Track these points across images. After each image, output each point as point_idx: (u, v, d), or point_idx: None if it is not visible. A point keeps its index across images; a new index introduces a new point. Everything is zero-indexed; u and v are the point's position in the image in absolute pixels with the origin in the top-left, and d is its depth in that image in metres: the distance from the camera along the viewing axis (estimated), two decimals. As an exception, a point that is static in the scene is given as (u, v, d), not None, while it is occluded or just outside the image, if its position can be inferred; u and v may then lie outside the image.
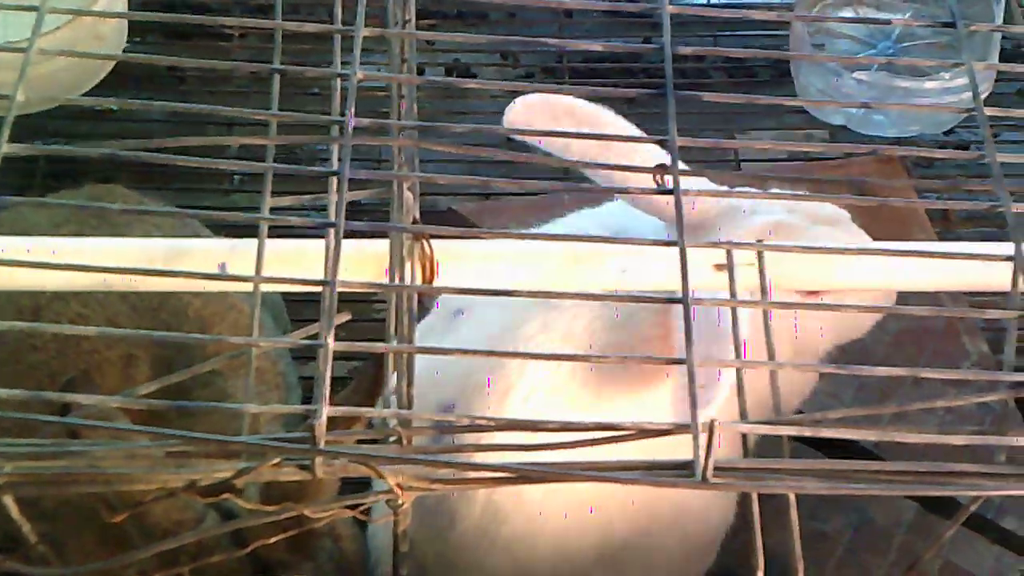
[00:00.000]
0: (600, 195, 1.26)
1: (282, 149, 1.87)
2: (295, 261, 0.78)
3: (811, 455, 1.31)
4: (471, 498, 1.11)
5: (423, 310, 1.25)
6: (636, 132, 1.08)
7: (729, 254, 0.76)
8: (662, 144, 0.76)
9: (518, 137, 1.09)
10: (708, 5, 2.06)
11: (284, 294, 1.37)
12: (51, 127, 1.87)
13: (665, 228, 1.12)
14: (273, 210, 0.78)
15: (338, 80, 0.81)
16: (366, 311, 1.53)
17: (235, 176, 1.83)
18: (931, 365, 1.44)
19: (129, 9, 1.78)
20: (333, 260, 0.70)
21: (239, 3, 2.04)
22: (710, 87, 2.01)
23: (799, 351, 1.15)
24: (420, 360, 1.17)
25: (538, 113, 1.07)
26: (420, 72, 2.10)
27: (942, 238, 1.64)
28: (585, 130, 1.09)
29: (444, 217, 1.65)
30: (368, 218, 1.75)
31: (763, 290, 0.75)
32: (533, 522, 1.12)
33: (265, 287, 0.74)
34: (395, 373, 0.73)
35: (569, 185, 1.12)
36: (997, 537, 1.36)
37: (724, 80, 2.03)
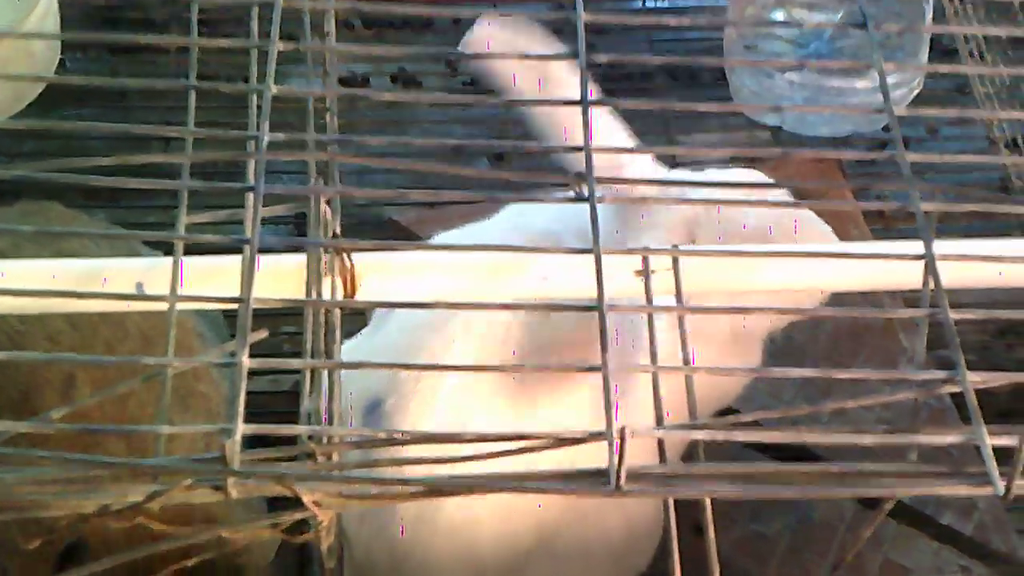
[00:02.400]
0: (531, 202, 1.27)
1: (219, 163, 1.86)
2: (213, 278, 0.78)
3: (759, 458, 1.32)
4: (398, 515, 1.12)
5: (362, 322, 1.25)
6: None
7: (645, 260, 0.77)
8: (579, 151, 0.77)
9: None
10: (640, 10, 2.07)
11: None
12: (-6, 144, 1.86)
13: (613, 219, 1.15)
14: (190, 227, 0.77)
15: (254, 95, 0.80)
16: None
17: (176, 195, 1.82)
18: (868, 362, 1.46)
19: (65, 20, 1.76)
20: (248, 277, 0.70)
21: (177, 18, 2.03)
22: (653, 90, 2.03)
23: (737, 336, 1.16)
24: (347, 356, 1.18)
25: (499, 40, 1.10)
26: (366, 81, 2.10)
27: (879, 235, 1.66)
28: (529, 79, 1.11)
29: (385, 227, 1.65)
30: (299, 232, 1.76)
31: (678, 295, 0.76)
32: (471, 507, 1.13)
33: (181, 305, 0.74)
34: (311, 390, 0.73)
35: (493, 195, 1.12)
36: (936, 533, 1.37)
37: (667, 83, 2.05)
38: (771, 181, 1.21)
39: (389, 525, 1.13)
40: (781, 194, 1.17)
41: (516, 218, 1.23)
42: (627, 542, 1.20)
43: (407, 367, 0.70)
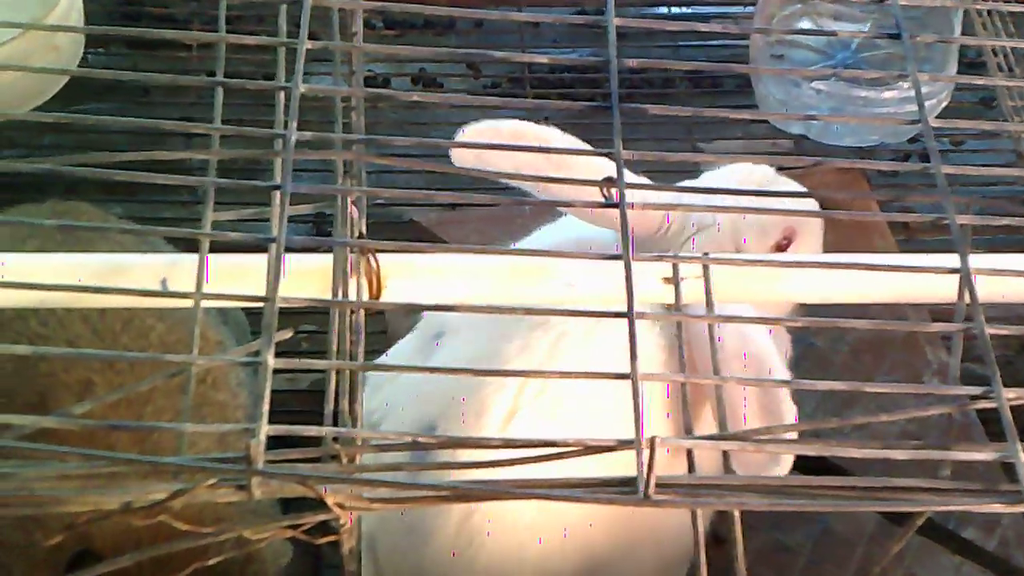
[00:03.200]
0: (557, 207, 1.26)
1: (238, 160, 1.87)
2: (237, 276, 0.78)
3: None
4: (446, 518, 1.10)
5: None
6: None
7: (675, 267, 0.76)
8: (609, 156, 0.76)
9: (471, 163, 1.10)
10: (667, 16, 2.06)
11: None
12: (13, 138, 1.86)
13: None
14: (215, 224, 0.77)
15: (281, 93, 0.80)
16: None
17: (197, 188, 1.82)
18: (892, 374, 1.44)
19: (89, 16, 1.76)
20: (273, 276, 0.69)
21: (198, 14, 2.03)
22: (675, 96, 2.02)
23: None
24: (403, 380, 1.18)
25: (486, 139, 1.08)
26: (387, 82, 2.09)
27: (903, 245, 1.65)
28: (534, 158, 1.09)
29: (405, 228, 1.64)
30: (319, 232, 1.75)
31: (708, 303, 0.75)
32: (513, 546, 1.11)
33: (206, 303, 0.73)
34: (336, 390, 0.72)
35: (521, 197, 1.11)
36: (958, 548, 1.36)
37: (689, 89, 2.04)
38: (788, 181, 1.21)
39: (421, 546, 1.12)
40: (808, 203, 1.16)
41: (547, 236, 1.22)
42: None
43: (423, 370, 0.69)
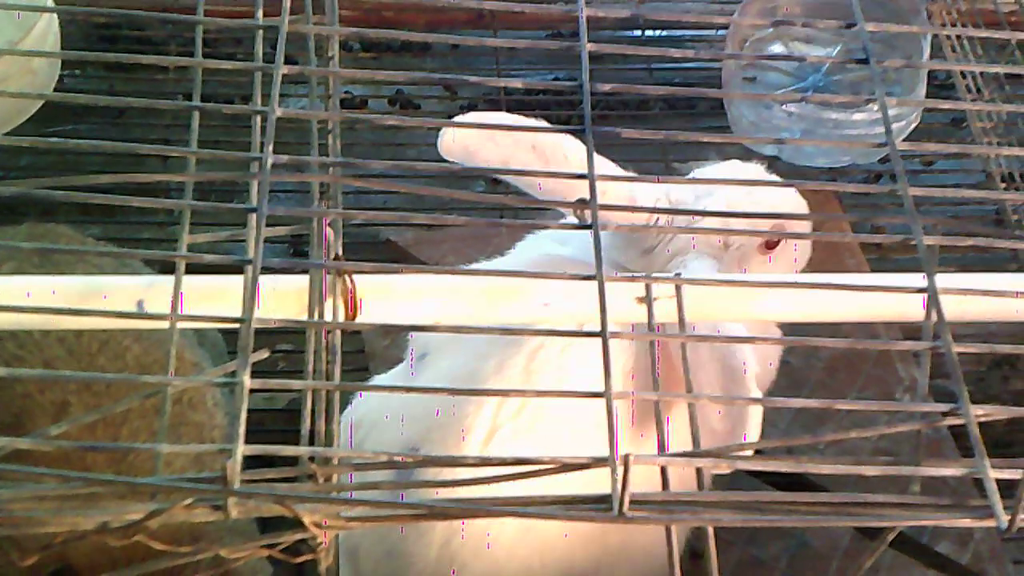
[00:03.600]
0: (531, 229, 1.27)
1: (216, 182, 1.87)
2: (214, 297, 0.78)
3: (756, 484, 1.31)
4: (427, 542, 1.10)
5: (390, 357, 1.25)
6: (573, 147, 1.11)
7: (648, 288, 0.77)
8: (583, 179, 0.77)
9: (456, 164, 1.12)
10: (640, 40, 2.08)
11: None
12: (-12, 160, 1.86)
13: (615, 248, 1.15)
14: (192, 246, 0.77)
15: (258, 117, 0.80)
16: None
17: (173, 211, 1.82)
18: (865, 391, 1.46)
19: (66, 39, 1.76)
20: (249, 298, 0.69)
21: (175, 36, 2.04)
22: (650, 117, 2.04)
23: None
24: (386, 403, 1.18)
25: (473, 133, 1.10)
26: (364, 103, 2.10)
27: (875, 264, 1.66)
28: (520, 152, 1.11)
29: (381, 248, 1.65)
30: (296, 253, 1.76)
31: (681, 322, 0.75)
32: (492, 570, 1.11)
33: (183, 324, 0.73)
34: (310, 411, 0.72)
35: (495, 220, 1.12)
36: (932, 562, 1.37)
37: (663, 111, 2.05)
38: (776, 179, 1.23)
39: (404, 570, 1.12)
40: (793, 197, 1.18)
41: (531, 247, 1.23)
42: None
43: (402, 390, 0.70)
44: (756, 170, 1.26)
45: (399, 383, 1.15)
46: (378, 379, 1.24)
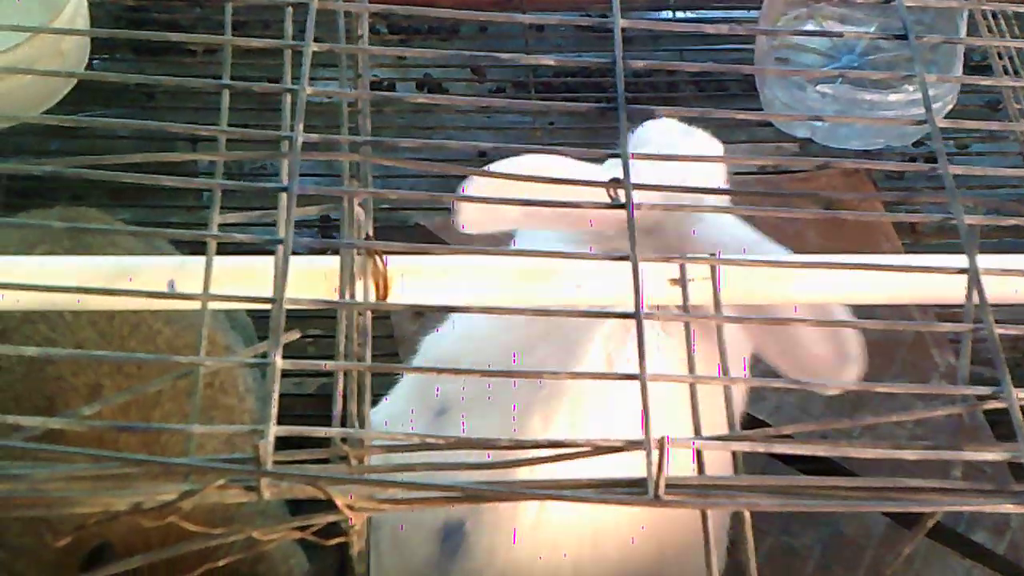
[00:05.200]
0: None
1: (245, 165, 1.87)
2: (245, 278, 0.78)
3: (788, 471, 1.30)
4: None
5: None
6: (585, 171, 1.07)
7: (682, 268, 0.76)
8: (616, 157, 0.76)
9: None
10: (672, 19, 2.06)
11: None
12: (20, 144, 1.86)
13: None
14: (222, 227, 0.77)
15: (287, 96, 0.80)
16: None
17: (203, 192, 1.82)
18: (900, 377, 1.44)
19: (94, 22, 1.77)
20: (281, 277, 0.69)
21: (203, 20, 2.04)
22: (680, 100, 2.02)
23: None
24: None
25: (490, 192, 1.03)
26: (391, 87, 2.09)
27: (909, 249, 1.64)
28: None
29: (410, 233, 1.64)
30: (336, 234, 1.75)
31: (716, 304, 0.74)
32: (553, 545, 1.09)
33: (214, 304, 0.73)
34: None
35: (525, 200, 1.10)
36: (968, 551, 1.35)
37: (694, 93, 2.04)
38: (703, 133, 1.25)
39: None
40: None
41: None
42: None
43: (436, 371, 0.69)
44: (681, 127, 1.25)
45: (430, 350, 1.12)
46: (381, 414, 1.19)
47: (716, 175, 1.22)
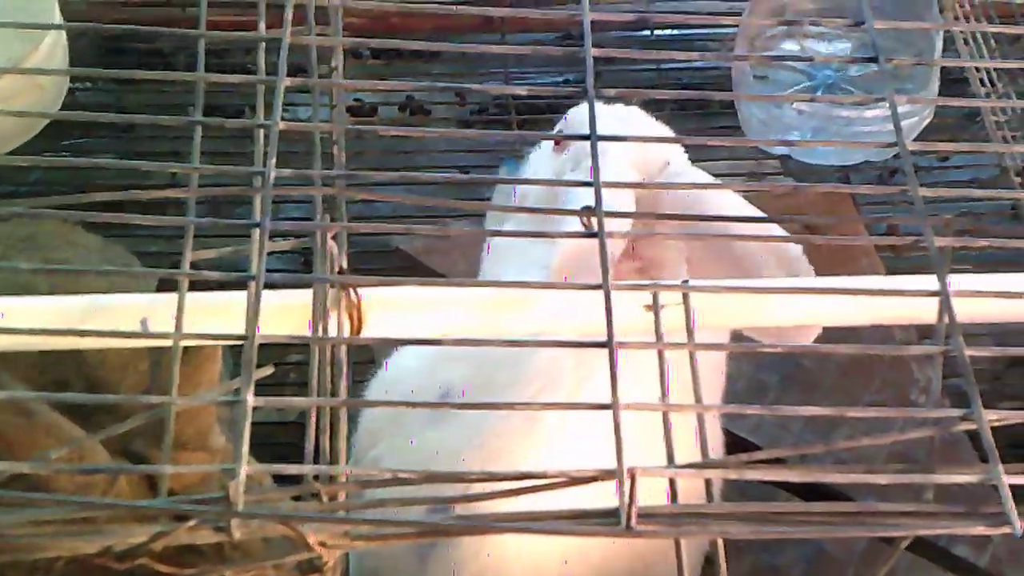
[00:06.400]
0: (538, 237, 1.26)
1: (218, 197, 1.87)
2: (219, 313, 0.77)
3: (772, 490, 1.30)
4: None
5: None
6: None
7: (655, 296, 0.76)
8: (588, 186, 0.76)
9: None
10: (650, 38, 2.07)
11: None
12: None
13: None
14: (196, 263, 0.77)
15: (260, 131, 0.80)
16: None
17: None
18: (880, 393, 1.44)
19: (73, 51, 1.77)
20: (252, 313, 0.69)
21: (184, 48, 2.04)
22: (661, 116, 2.02)
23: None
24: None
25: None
26: (374, 110, 2.10)
27: (890, 263, 1.65)
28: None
29: (390, 257, 1.64)
30: (306, 263, 1.75)
31: (688, 331, 0.74)
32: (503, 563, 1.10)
33: (186, 342, 0.73)
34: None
35: (499, 231, 1.11)
36: (950, 565, 1.35)
37: (676, 111, 2.04)
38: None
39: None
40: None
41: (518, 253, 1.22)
42: None
43: (408, 405, 0.69)
44: (627, 109, 1.34)
45: (423, 430, 1.12)
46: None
47: (677, 155, 1.32)
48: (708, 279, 0.81)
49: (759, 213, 1.10)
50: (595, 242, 0.73)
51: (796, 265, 1.08)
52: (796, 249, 1.09)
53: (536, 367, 1.09)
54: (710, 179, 1.23)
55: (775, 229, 1.06)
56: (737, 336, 1.05)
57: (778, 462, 0.68)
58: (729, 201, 1.19)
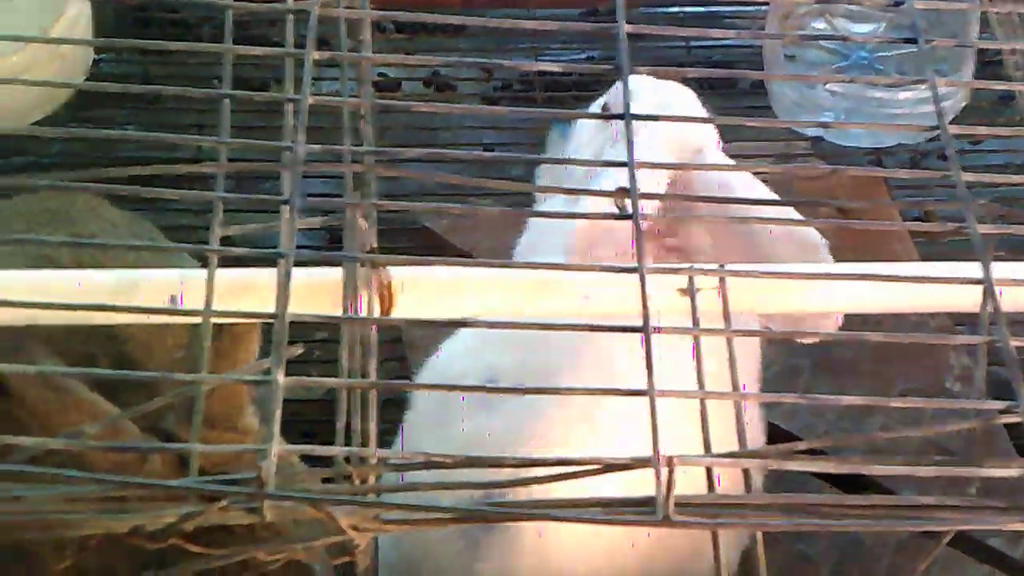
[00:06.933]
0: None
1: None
2: (247, 291, 0.76)
3: (805, 479, 1.28)
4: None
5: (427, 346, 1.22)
6: None
7: (690, 280, 0.74)
8: (622, 166, 0.75)
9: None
10: (679, 16, 2.04)
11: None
12: (23, 146, 1.85)
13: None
14: (224, 239, 0.76)
15: (289, 104, 0.78)
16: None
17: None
18: (915, 380, 1.42)
19: (98, 22, 1.75)
20: (283, 292, 0.68)
21: (209, 19, 2.02)
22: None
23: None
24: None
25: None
26: (399, 85, 2.08)
27: (923, 248, 1.62)
28: None
29: (417, 235, 1.63)
30: (333, 240, 1.74)
31: (726, 317, 0.73)
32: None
33: (216, 320, 0.72)
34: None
35: (529, 210, 1.10)
36: (985, 557, 1.34)
37: (703, 90, 2.01)
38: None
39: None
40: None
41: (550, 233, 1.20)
42: None
43: (445, 388, 0.68)
44: (670, 86, 1.33)
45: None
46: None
47: (710, 135, 1.32)
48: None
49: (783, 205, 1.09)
50: (611, 222, 0.71)
51: (817, 256, 1.07)
52: (817, 238, 1.08)
53: (588, 355, 1.08)
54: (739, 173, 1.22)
55: (794, 214, 1.06)
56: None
57: (819, 452, 0.66)
58: (757, 191, 1.18)
